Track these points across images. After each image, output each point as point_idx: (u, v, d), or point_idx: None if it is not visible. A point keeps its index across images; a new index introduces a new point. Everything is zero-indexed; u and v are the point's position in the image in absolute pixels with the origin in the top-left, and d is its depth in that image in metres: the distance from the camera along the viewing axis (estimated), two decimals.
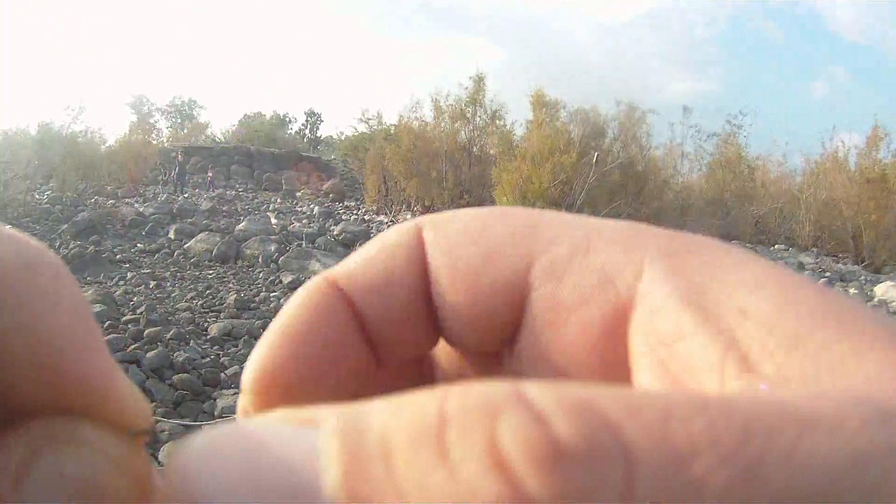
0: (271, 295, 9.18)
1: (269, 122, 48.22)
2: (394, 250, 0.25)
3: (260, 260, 11.33)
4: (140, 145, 25.43)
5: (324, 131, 53.16)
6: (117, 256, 11.03)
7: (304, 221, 15.89)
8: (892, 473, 0.13)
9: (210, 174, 26.76)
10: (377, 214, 19.96)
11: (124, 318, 7.03)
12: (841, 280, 14.50)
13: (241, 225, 13.56)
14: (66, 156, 17.92)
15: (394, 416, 0.14)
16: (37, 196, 15.95)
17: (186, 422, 5.04)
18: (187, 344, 6.69)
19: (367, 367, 0.26)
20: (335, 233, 13.66)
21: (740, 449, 0.13)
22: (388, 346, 0.26)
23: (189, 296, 8.87)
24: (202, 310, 8.24)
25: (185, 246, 11.96)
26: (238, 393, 0.25)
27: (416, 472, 0.13)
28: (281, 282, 10.09)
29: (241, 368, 0.25)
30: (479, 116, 19.79)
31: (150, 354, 5.95)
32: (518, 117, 27.09)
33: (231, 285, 9.82)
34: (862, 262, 20.00)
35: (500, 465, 0.13)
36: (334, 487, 0.14)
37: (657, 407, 0.14)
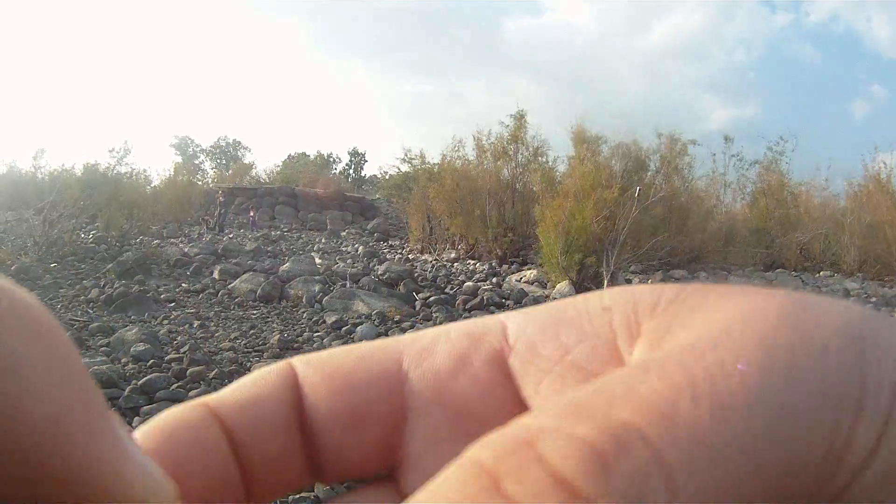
0: (315, 335, 8.90)
1: (313, 163, 48.73)
2: (265, 374, 0.26)
3: (304, 300, 11.11)
4: (185, 186, 25.82)
5: (367, 170, 53.59)
6: (162, 296, 10.93)
7: (348, 261, 15.69)
8: None
9: (252, 214, 26.74)
10: (421, 253, 19.73)
11: (168, 357, 6.81)
12: (887, 305, 13.52)
13: (285, 266, 13.41)
14: (112, 196, 18.19)
15: (446, 499, 0.14)
16: (83, 235, 16.08)
17: None
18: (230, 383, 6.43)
19: (235, 491, 0.24)
20: (379, 272, 13.40)
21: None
22: (261, 474, 0.25)
23: (233, 335, 8.65)
24: (245, 349, 8.00)
25: (230, 286, 11.82)
26: None
27: None
28: (325, 322, 9.82)
29: None
30: (522, 154, 19.58)
31: (192, 393, 5.70)
32: (560, 152, 26.85)
33: (275, 325, 9.59)
34: None
35: (562, 483, 0.14)
36: None
37: (628, 386, 0.16)
